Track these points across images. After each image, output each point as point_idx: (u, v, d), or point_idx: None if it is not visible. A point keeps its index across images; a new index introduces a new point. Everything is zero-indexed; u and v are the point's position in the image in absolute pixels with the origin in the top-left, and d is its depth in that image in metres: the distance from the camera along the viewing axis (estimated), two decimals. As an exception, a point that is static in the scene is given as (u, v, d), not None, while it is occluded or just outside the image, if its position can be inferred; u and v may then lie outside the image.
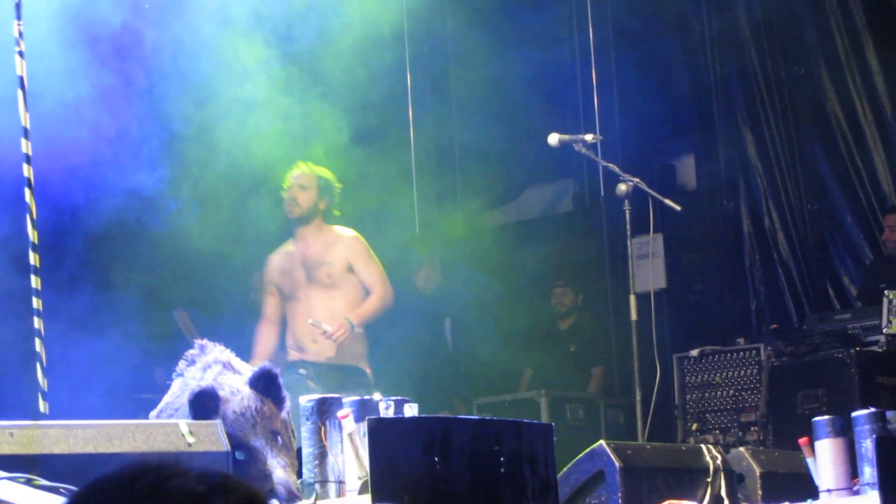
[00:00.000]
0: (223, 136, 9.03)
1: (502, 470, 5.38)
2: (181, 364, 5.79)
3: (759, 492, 6.39)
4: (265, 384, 5.58)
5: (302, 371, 8.86)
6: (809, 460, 5.73)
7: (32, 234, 5.89)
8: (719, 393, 9.32)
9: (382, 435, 5.16)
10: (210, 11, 8.91)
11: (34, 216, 5.90)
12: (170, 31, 9.00)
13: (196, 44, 8.96)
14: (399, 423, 5.35)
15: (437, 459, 5.16)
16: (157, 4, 8.96)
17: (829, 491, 5.67)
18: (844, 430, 5.71)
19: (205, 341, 5.66)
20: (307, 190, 8.87)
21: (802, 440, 5.78)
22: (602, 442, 6.26)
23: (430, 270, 10.52)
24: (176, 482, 1.54)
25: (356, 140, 9.91)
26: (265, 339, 9.07)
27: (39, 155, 6.14)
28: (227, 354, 5.73)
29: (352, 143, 9.78)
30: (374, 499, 4.93)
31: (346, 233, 9.03)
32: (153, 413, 5.93)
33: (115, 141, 8.93)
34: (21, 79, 6.02)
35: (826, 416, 5.84)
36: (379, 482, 5.02)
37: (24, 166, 5.90)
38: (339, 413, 5.35)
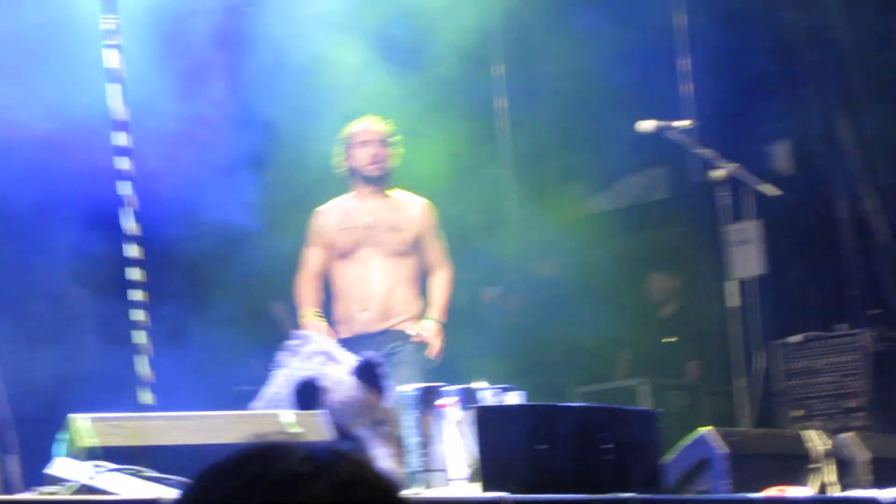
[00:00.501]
0: (318, 146, 9.03)
1: (607, 457, 5.35)
2: (284, 355, 5.81)
3: (869, 476, 6.31)
4: (368, 373, 5.59)
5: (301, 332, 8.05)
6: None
7: (130, 227, 5.93)
8: (822, 379, 9.21)
9: (489, 423, 5.15)
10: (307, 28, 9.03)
11: (135, 208, 5.94)
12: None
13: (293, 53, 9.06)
14: (506, 410, 5.34)
15: (542, 447, 5.14)
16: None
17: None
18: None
19: (308, 332, 5.69)
20: (387, 147, 8.28)
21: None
22: (709, 429, 6.21)
23: None
24: (281, 465, 1.55)
25: (447, 132, 9.91)
26: (311, 290, 8.31)
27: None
28: (328, 345, 5.75)
29: (443, 135, 9.78)
30: (484, 487, 4.91)
31: (419, 200, 8.46)
32: (257, 404, 5.96)
33: (210, 161, 9.04)
34: (115, 71, 6.04)
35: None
36: (488, 470, 5.00)
37: (123, 159, 5.94)
38: (443, 401, 5.35)
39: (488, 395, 5.48)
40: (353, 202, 8.36)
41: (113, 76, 6.08)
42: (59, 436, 5.28)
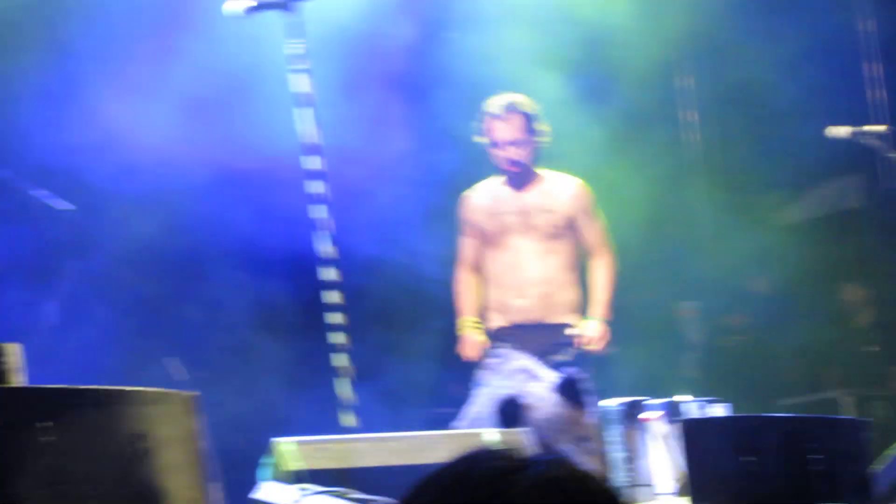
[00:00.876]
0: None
1: (816, 467, 5.24)
2: (485, 374, 5.81)
3: None
4: (570, 389, 5.57)
5: (502, 350, 7.46)
6: None
7: (328, 251, 5.98)
8: None
9: (695, 436, 5.08)
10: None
11: (330, 231, 5.99)
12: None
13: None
14: (711, 423, 5.27)
15: (750, 458, 5.05)
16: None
17: None
18: None
19: (507, 350, 5.67)
20: (529, 127, 7.71)
21: None
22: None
23: None
24: (485, 464, 1.57)
25: (627, 143, 9.87)
26: (470, 289, 7.89)
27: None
28: (529, 362, 5.73)
29: (623, 146, 9.74)
30: (693, 500, 4.85)
31: (572, 180, 7.90)
32: (460, 424, 5.97)
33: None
34: (307, 95, 6.12)
35: None
36: (696, 483, 4.94)
37: (316, 183, 6.00)
38: (647, 415, 5.29)
39: (693, 407, 5.42)
40: (501, 185, 7.88)
41: (302, 101, 6.14)
42: (264, 461, 5.35)
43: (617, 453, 5.37)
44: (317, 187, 6.04)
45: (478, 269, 7.89)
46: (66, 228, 8.78)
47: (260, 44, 7.63)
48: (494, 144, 7.66)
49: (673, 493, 5.22)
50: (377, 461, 5.22)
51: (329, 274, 6.02)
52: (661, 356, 9.49)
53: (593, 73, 9.54)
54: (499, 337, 7.57)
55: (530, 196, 7.77)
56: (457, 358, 9.28)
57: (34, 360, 3.81)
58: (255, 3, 6.29)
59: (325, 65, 7.57)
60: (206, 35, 8.24)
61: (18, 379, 3.63)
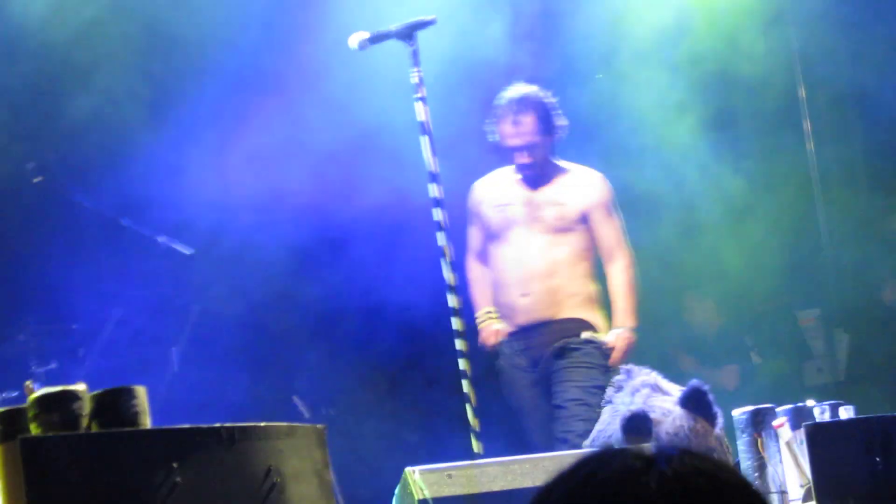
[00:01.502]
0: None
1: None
2: (609, 391, 5.78)
3: None
4: (696, 402, 5.51)
5: (507, 351, 7.49)
6: None
7: (449, 277, 6.01)
8: None
9: (822, 440, 5.02)
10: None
11: (449, 258, 6.02)
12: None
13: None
14: (837, 426, 5.21)
15: (877, 459, 4.98)
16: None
17: None
18: None
19: (630, 366, 5.64)
20: (537, 114, 7.46)
21: None
22: None
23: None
24: (615, 462, 1.56)
25: (751, 156, 9.82)
26: (481, 280, 7.65)
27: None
28: (653, 377, 5.69)
29: (747, 158, 9.70)
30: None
31: (590, 172, 7.57)
32: (586, 442, 5.94)
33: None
34: (424, 125, 6.17)
35: None
36: (822, 487, 4.89)
37: (435, 210, 6.03)
38: (775, 422, 5.24)
39: (817, 412, 5.36)
40: (510, 175, 7.61)
41: (423, 129, 6.20)
42: (396, 490, 5.37)
43: (746, 462, 5.32)
44: (437, 215, 6.07)
45: (485, 260, 7.66)
46: (191, 271, 8.93)
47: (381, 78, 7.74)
48: (507, 146, 7.47)
49: (800, 499, 5.16)
50: (506, 485, 5.22)
51: (452, 301, 6.05)
52: (785, 364, 9.42)
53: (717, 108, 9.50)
54: (508, 343, 7.49)
55: (543, 189, 7.49)
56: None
57: (160, 399, 3.88)
58: (374, 35, 6.37)
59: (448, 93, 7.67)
60: (329, 80, 8.35)
61: (146, 421, 3.68)
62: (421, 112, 6.23)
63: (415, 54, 6.29)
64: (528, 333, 7.41)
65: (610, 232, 7.45)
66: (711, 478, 1.54)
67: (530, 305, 7.38)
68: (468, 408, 5.90)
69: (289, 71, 8.39)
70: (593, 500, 1.52)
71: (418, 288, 7.91)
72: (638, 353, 7.23)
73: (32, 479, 3.32)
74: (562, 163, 7.57)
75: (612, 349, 7.32)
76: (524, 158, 7.40)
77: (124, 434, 3.55)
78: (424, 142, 6.21)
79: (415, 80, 6.24)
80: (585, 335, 7.35)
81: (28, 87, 9.00)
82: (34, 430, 3.56)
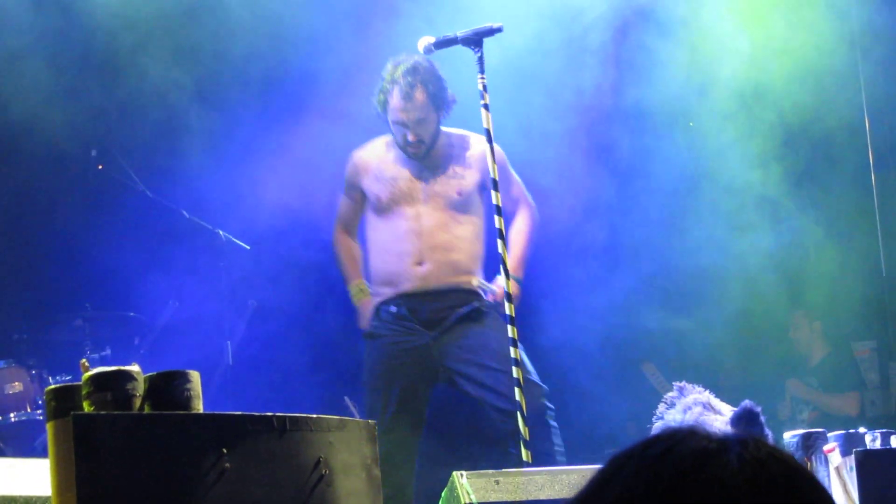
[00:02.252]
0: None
1: None
2: (661, 407, 5.74)
3: None
4: (747, 422, 5.45)
5: (393, 309, 7.05)
6: None
7: (507, 285, 6.00)
8: None
9: (872, 467, 4.98)
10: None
11: (507, 267, 6.01)
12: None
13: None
14: (888, 454, 5.15)
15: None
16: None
17: None
18: None
19: (683, 383, 5.60)
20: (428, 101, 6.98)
21: None
22: None
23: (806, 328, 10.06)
24: (689, 442, 1.51)
25: (811, 177, 9.78)
26: (352, 250, 7.26)
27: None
28: (706, 395, 5.64)
29: (806, 179, 9.66)
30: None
31: (479, 139, 6.97)
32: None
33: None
34: (488, 131, 6.16)
35: None
36: (873, 515, 4.84)
37: (496, 218, 6.01)
38: (826, 447, 5.19)
39: (868, 439, 5.31)
40: (394, 147, 7.16)
41: (487, 136, 6.19)
42: (443, 493, 5.36)
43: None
44: (497, 222, 6.06)
45: (355, 234, 7.31)
46: (250, 266, 8.98)
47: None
48: (395, 122, 6.99)
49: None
50: (552, 494, 5.20)
51: (508, 309, 6.03)
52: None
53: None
54: (385, 309, 7.04)
55: (437, 164, 7.09)
56: (634, 394, 9.27)
57: (213, 392, 3.88)
58: (440, 40, 6.38)
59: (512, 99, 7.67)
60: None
61: (198, 405, 3.69)
62: (485, 119, 6.21)
63: (480, 61, 6.28)
64: (411, 300, 7.01)
65: (510, 189, 7.07)
66: (786, 464, 1.51)
67: (426, 273, 6.99)
68: (519, 416, 5.87)
69: (349, 72, 8.40)
70: (671, 477, 1.48)
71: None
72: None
73: (83, 457, 3.33)
74: (449, 131, 7.15)
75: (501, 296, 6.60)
76: (413, 135, 6.94)
77: (176, 417, 3.56)
78: (488, 149, 6.20)
79: (480, 87, 6.22)
80: (475, 284, 7.01)
81: (94, 75, 9.08)
82: (87, 407, 3.57)
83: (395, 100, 6.92)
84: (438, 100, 6.96)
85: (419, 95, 6.91)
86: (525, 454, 5.87)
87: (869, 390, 9.96)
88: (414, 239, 6.98)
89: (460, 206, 7.03)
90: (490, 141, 6.17)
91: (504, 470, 5.40)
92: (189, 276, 9.04)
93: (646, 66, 9.30)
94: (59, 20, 8.72)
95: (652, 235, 9.59)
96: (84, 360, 3.77)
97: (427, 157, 7.05)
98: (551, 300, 9.12)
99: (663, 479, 1.48)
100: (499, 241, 6.04)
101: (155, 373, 3.68)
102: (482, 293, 7.03)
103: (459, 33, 6.30)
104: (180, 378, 3.66)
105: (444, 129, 7.13)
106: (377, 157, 7.15)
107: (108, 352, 8.55)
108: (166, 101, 8.99)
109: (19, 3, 8.64)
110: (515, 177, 7.22)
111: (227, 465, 3.50)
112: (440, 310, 7.04)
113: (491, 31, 6.27)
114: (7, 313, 9.21)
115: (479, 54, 6.27)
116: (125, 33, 8.73)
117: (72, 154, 9.24)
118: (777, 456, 1.51)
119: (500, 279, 6.43)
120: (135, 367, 3.66)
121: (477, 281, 7.06)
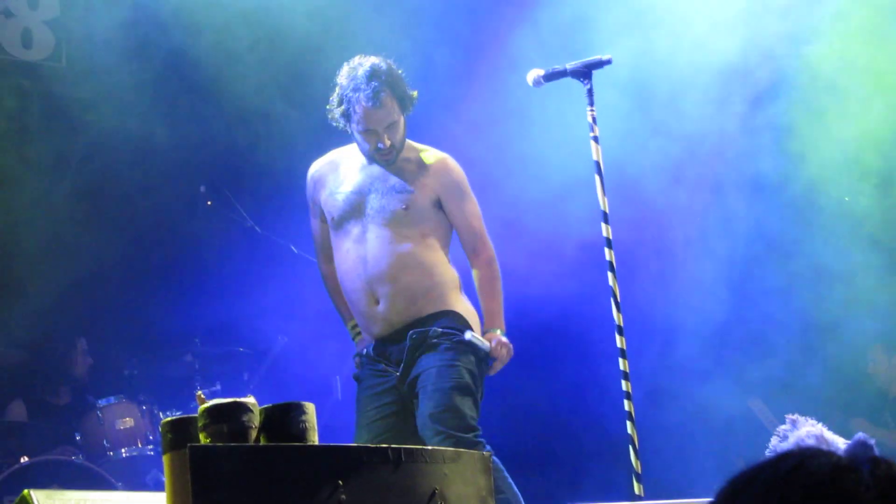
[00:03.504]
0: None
1: None
2: (773, 440, 5.67)
3: None
4: (861, 455, 5.38)
5: (364, 351, 6.38)
6: None
7: (617, 318, 5.95)
8: None
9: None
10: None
11: (618, 300, 5.97)
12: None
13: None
14: None
15: None
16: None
17: None
18: None
19: (796, 416, 5.53)
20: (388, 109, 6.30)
21: None
22: None
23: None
24: (820, 458, 1.54)
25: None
26: (336, 285, 6.49)
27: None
28: (819, 428, 5.55)
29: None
30: None
31: (438, 154, 6.43)
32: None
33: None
34: (597, 164, 6.13)
35: None
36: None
37: (606, 251, 5.98)
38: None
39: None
40: (353, 156, 6.49)
41: (597, 168, 6.16)
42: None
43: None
44: (608, 255, 6.02)
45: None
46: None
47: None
48: (365, 130, 6.28)
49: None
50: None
51: (619, 342, 5.99)
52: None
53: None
54: (367, 358, 6.36)
55: (389, 175, 6.37)
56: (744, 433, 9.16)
57: (322, 427, 3.88)
58: (549, 72, 6.35)
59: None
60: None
61: (313, 437, 3.69)
62: (595, 151, 6.18)
63: (590, 93, 6.24)
64: (387, 345, 6.29)
65: (466, 221, 6.31)
66: None
67: (385, 314, 6.25)
68: (631, 449, 5.83)
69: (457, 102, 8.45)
70: (804, 489, 1.47)
71: (585, 334, 7.88)
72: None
73: (199, 488, 3.35)
74: (410, 144, 6.48)
75: (497, 356, 6.20)
76: (388, 139, 6.26)
77: (292, 448, 3.56)
78: (597, 181, 6.16)
79: (589, 119, 6.19)
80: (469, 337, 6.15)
81: (202, 112, 9.20)
82: (203, 439, 3.59)
83: (362, 107, 6.23)
84: (404, 100, 6.33)
85: (387, 99, 6.24)
86: (637, 488, 5.82)
87: None
88: (360, 268, 6.27)
89: (407, 221, 6.26)
90: (600, 174, 6.14)
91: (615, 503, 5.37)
92: (297, 311, 9.08)
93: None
94: (166, 55, 8.89)
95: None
96: (200, 392, 3.79)
97: (388, 167, 6.36)
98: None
99: (796, 491, 1.47)
100: (609, 274, 6.00)
101: (271, 405, 3.69)
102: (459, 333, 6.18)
103: (569, 66, 6.27)
104: (296, 410, 3.67)
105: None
106: (332, 170, 6.49)
107: (218, 387, 8.61)
108: (272, 136, 9.08)
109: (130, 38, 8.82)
110: (473, 206, 6.39)
111: (343, 496, 3.50)
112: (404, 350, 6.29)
113: (600, 63, 6.24)
114: (118, 350, 9.32)
115: (588, 86, 6.23)
116: (234, 66, 8.85)
117: (183, 191, 9.35)
118: None
119: (492, 337, 6.18)
120: (251, 399, 3.67)
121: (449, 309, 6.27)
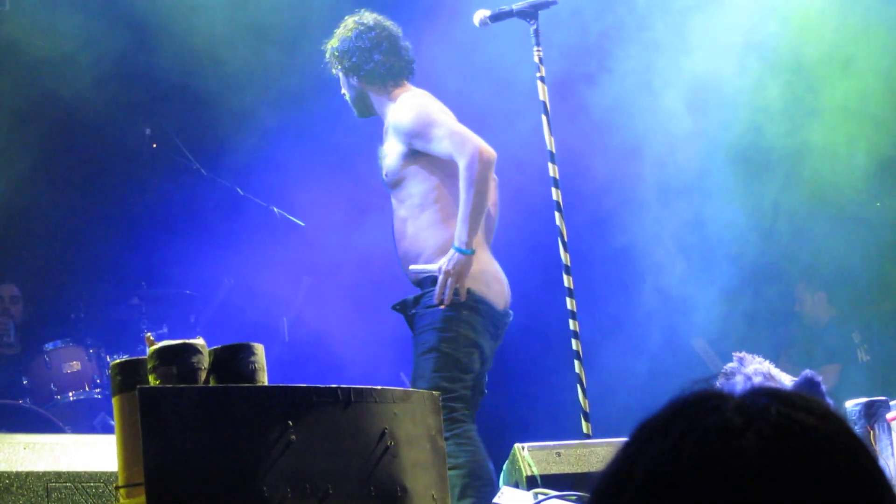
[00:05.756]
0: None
1: None
2: (720, 379, 5.71)
3: None
4: (808, 392, 5.43)
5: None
6: None
7: (564, 257, 5.97)
8: None
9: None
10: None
11: (565, 238, 5.98)
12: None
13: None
14: (952, 422, 5.11)
15: None
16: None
17: None
18: None
19: (743, 354, 5.57)
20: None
21: None
22: None
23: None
24: (711, 418, 1.43)
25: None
26: None
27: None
28: (766, 365, 5.60)
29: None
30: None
31: (394, 106, 6.12)
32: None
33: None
34: (544, 104, 6.13)
35: None
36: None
37: (553, 190, 5.99)
38: (889, 415, 5.14)
39: (926, 406, 5.26)
40: None
41: (543, 108, 6.15)
42: (504, 465, 5.36)
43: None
44: (555, 195, 6.03)
45: None
46: (303, 242, 9.01)
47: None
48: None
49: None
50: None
51: (567, 281, 6.00)
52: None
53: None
54: None
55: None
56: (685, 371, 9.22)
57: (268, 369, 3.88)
58: (495, 13, 6.33)
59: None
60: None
61: (263, 378, 3.69)
62: (541, 91, 6.18)
63: (536, 33, 6.24)
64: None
65: (437, 151, 5.93)
66: (811, 431, 1.46)
67: (411, 281, 6.15)
68: (579, 388, 5.86)
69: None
70: (685, 467, 1.44)
71: (531, 269, 7.88)
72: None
73: (149, 430, 3.34)
74: (391, 105, 6.22)
75: (445, 275, 5.82)
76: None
77: (242, 389, 3.56)
78: (544, 121, 6.16)
79: (536, 59, 6.19)
80: (413, 268, 6.02)
81: (148, 56, 9.13)
82: (153, 381, 3.58)
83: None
84: (353, 70, 6.20)
85: (339, 76, 6.27)
86: (585, 426, 5.86)
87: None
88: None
89: (394, 188, 6.11)
90: (546, 114, 6.14)
91: (565, 442, 5.40)
92: (243, 253, 9.06)
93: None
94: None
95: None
96: (149, 334, 3.77)
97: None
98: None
99: (686, 459, 1.44)
100: (556, 214, 6.01)
101: (220, 346, 3.68)
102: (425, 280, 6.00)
103: (515, 6, 6.26)
104: (245, 351, 3.66)
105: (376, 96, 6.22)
106: None
107: (165, 329, 8.58)
108: (220, 79, 9.02)
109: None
110: (445, 124, 5.97)
111: (293, 436, 3.50)
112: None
113: (546, 4, 6.23)
114: (64, 293, 9.27)
115: (534, 27, 6.22)
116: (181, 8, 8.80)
117: (126, 132, 9.29)
118: (807, 424, 1.45)
119: (447, 257, 5.79)
120: (200, 341, 3.66)
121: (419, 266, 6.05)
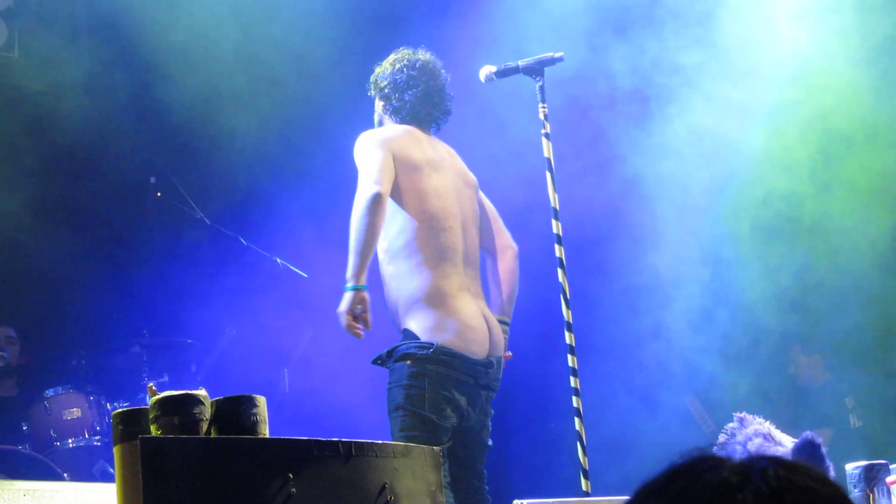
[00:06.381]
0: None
1: None
2: (721, 437, 5.71)
3: None
4: (808, 454, 5.41)
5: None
6: None
7: (566, 314, 5.97)
8: None
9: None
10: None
11: (567, 296, 5.99)
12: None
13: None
14: (955, 487, 5.10)
15: None
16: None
17: None
18: None
19: (743, 414, 5.57)
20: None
21: None
22: None
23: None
24: (709, 477, 1.49)
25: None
26: None
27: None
28: (766, 426, 5.61)
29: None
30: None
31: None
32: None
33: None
34: (548, 161, 6.15)
35: None
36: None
37: (556, 247, 6.00)
38: (888, 479, 5.14)
39: (932, 472, 5.25)
40: None
41: (548, 165, 6.17)
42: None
43: (859, 519, 5.22)
44: (558, 252, 6.04)
45: None
46: (306, 294, 9.01)
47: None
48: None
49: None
50: (612, 524, 5.18)
51: (568, 338, 6.00)
52: (882, 430, 9.26)
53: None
54: None
55: None
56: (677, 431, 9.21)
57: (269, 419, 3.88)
58: (501, 69, 6.35)
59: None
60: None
61: (264, 430, 3.70)
62: (546, 148, 6.20)
63: (542, 90, 6.26)
64: None
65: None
66: (808, 492, 1.49)
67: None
68: (579, 445, 5.85)
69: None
70: None
71: (533, 325, 7.89)
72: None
73: (150, 480, 3.34)
74: None
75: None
76: None
77: (243, 442, 3.56)
78: (548, 178, 6.18)
79: (541, 115, 6.21)
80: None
81: (155, 105, 9.17)
82: (154, 431, 3.58)
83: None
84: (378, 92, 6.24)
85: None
86: (585, 484, 5.85)
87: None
88: None
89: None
90: (551, 171, 6.16)
91: (564, 500, 5.39)
92: (246, 303, 9.07)
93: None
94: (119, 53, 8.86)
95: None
96: (151, 384, 3.78)
97: None
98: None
99: None
100: (559, 271, 6.02)
101: (222, 397, 3.69)
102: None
103: (521, 63, 6.29)
104: (247, 403, 3.67)
105: None
106: None
107: (166, 378, 8.59)
108: (225, 129, 9.06)
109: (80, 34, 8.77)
110: (368, 164, 5.69)
111: (294, 489, 3.51)
112: None
113: (552, 61, 6.26)
114: (65, 339, 9.28)
115: (539, 83, 6.25)
116: (182, 64, 8.84)
117: (131, 180, 9.32)
118: (801, 485, 1.48)
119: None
120: (202, 392, 3.67)
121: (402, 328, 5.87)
